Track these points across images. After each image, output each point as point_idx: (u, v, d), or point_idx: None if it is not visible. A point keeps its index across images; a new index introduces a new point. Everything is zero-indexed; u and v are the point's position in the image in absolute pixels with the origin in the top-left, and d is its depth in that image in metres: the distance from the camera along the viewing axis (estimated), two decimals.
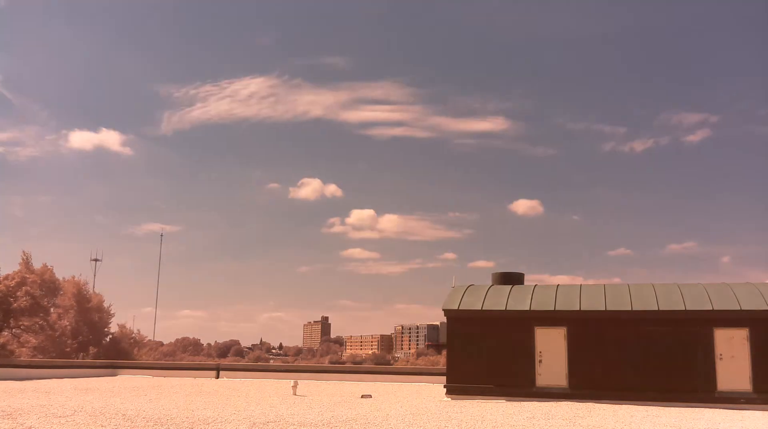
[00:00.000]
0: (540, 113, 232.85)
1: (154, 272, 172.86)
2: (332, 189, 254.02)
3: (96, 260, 67.81)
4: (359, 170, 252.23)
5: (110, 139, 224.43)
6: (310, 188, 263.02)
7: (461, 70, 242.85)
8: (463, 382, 21.93)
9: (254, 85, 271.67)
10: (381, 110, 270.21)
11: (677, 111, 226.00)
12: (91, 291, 53.51)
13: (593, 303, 21.91)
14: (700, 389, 20.36)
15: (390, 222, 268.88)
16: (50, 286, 48.62)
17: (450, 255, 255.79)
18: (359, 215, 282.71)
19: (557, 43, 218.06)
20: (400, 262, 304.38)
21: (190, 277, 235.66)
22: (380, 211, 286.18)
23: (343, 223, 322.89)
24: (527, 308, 22.16)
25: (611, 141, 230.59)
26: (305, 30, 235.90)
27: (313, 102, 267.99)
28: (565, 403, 19.70)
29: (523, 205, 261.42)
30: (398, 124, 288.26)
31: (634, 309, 21.39)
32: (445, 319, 23.40)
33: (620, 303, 21.71)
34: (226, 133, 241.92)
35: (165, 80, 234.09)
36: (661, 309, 21.21)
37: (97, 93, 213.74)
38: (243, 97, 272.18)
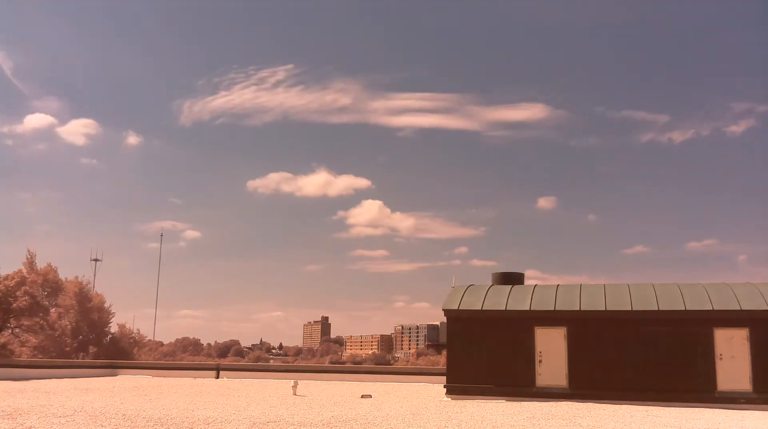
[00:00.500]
0: (580, 101, 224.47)
1: (155, 272, 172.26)
2: (347, 183, 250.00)
3: (96, 260, 67.95)
4: (379, 164, 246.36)
5: (121, 131, 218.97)
6: (323, 183, 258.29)
7: (495, 58, 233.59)
8: (463, 382, 21.93)
9: (282, 72, 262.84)
10: (413, 99, 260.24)
11: (725, 100, 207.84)
12: (92, 291, 53.61)
13: (593, 303, 21.91)
14: (700, 389, 20.36)
15: (403, 219, 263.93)
16: (53, 285, 48.68)
17: (463, 253, 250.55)
18: (372, 211, 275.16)
19: (596, 28, 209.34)
20: (411, 261, 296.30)
21: (190, 277, 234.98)
22: (395, 207, 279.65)
23: (354, 220, 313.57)
24: (527, 308, 22.16)
25: (651, 131, 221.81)
26: (334, 20, 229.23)
27: (343, 90, 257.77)
28: (565, 403, 19.70)
29: (548, 202, 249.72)
30: (432, 111, 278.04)
31: (634, 309, 21.39)
32: (445, 319, 23.41)
33: (620, 303, 21.71)
34: (243, 124, 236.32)
35: (186, 69, 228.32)
36: (661, 309, 21.21)
37: (110, 83, 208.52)
38: (269, 85, 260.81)
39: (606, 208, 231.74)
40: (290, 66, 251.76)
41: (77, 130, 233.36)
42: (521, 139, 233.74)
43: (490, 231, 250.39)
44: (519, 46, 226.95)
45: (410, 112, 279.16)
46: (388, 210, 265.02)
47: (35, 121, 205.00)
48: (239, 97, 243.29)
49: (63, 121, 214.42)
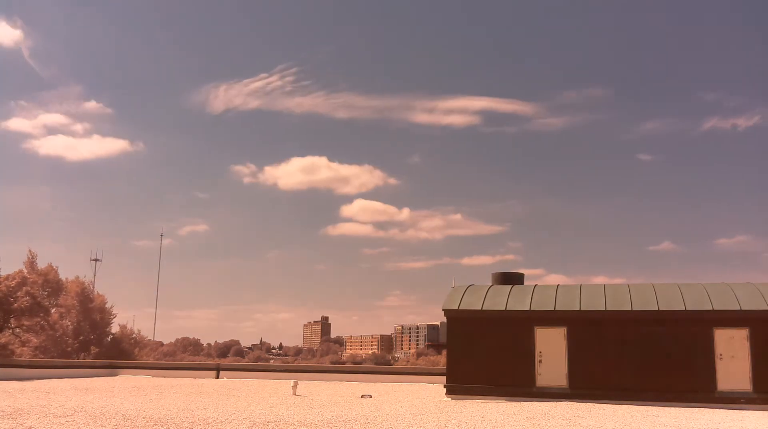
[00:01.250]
0: (651, 82, 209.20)
1: (154, 271, 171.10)
2: (368, 176, 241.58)
3: (96, 260, 67.68)
4: (414, 157, 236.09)
5: (138, 121, 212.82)
6: (338, 175, 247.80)
7: (565, 37, 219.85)
8: (463, 382, 21.93)
9: (324, 54, 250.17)
10: (468, 86, 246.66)
11: None
12: (93, 291, 53.62)
13: (593, 303, 21.92)
14: (700, 389, 20.36)
15: (422, 214, 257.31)
16: (54, 286, 48.69)
17: (480, 250, 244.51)
18: (387, 207, 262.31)
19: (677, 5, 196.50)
20: (429, 258, 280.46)
21: (190, 276, 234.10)
22: (414, 202, 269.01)
23: (367, 216, 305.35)
24: (527, 308, 22.16)
25: (716, 116, 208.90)
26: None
27: (391, 74, 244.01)
28: (565, 403, 19.71)
29: (577, 195, 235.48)
30: (485, 91, 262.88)
31: (634, 309, 21.39)
32: (445, 319, 23.42)
33: (620, 303, 21.72)
34: (275, 110, 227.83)
35: (229, 49, 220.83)
36: (661, 309, 21.21)
37: (133, 68, 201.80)
38: (312, 67, 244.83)
39: (638, 201, 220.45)
40: (333, 48, 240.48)
41: (88, 118, 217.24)
42: (573, 126, 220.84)
43: (513, 228, 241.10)
44: (588, 25, 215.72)
45: (462, 91, 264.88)
46: (404, 205, 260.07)
47: (44, 109, 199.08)
48: (280, 78, 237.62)
49: (74, 110, 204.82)
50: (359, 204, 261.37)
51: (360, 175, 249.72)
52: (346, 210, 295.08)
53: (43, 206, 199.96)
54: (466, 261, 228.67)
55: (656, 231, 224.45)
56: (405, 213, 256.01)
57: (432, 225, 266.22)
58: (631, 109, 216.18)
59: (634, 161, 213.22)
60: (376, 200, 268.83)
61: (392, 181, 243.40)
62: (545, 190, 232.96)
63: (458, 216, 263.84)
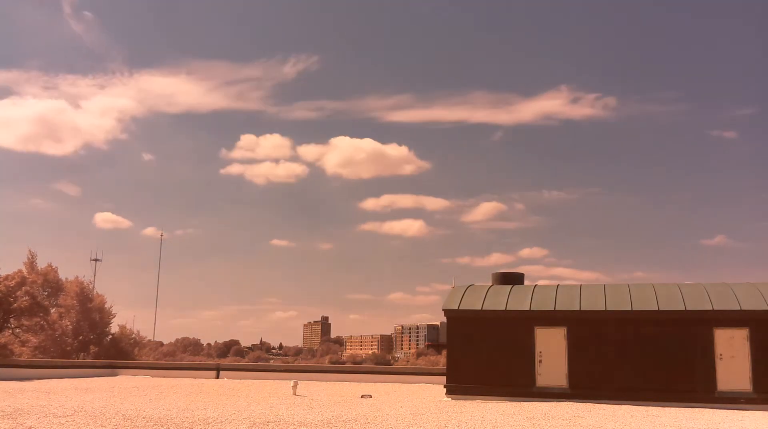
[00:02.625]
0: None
1: (155, 271, 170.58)
2: (397, 166, 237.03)
3: (96, 260, 67.63)
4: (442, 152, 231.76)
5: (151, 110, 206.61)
6: (354, 161, 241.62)
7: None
8: (463, 382, 21.93)
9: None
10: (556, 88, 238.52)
11: None
12: (92, 291, 53.60)
13: (593, 303, 21.92)
14: (700, 389, 20.36)
15: (448, 205, 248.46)
16: (54, 286, 48.70)
17: (509, 245, 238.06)
18: (406, 199, 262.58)
19: None
20: (455, 255, 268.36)
21: (191, 276, 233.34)
22: (439, 192, 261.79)
23: (388, 208, 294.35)
24: (527, 308, 22.16)
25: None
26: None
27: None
28: (565, 403, 19.71)
29: (630, 189, 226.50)
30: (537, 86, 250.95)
31: (634, 309, 21.40)
32: (445, 319, 23.43)
33: (620, 303, 21.72)
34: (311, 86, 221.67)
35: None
36: (661, 309, 21.21)
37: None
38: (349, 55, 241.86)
39: (692, 192, 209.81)
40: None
41: (103, 105, 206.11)
42: (627, 118, 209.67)
43: (555, 219, 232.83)
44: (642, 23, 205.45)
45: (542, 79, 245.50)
46: (423, 197, 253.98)
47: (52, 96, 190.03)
48: (323, 61, 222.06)
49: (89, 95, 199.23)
50: (387, 196, 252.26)
51: (403, 165, 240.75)
52: (353, 206, 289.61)
53: (44, 203, 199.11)
54: (487, 257, 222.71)
55: (710, 224, 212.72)
56: (433, 205, 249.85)
57: (463, 218, 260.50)
58: (693, 99, 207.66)
59: (688, 151, 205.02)
60: (403, 192, 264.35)
61: (416, 172, 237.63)
62: (589, 181, 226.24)
63: (488, 209, 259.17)
